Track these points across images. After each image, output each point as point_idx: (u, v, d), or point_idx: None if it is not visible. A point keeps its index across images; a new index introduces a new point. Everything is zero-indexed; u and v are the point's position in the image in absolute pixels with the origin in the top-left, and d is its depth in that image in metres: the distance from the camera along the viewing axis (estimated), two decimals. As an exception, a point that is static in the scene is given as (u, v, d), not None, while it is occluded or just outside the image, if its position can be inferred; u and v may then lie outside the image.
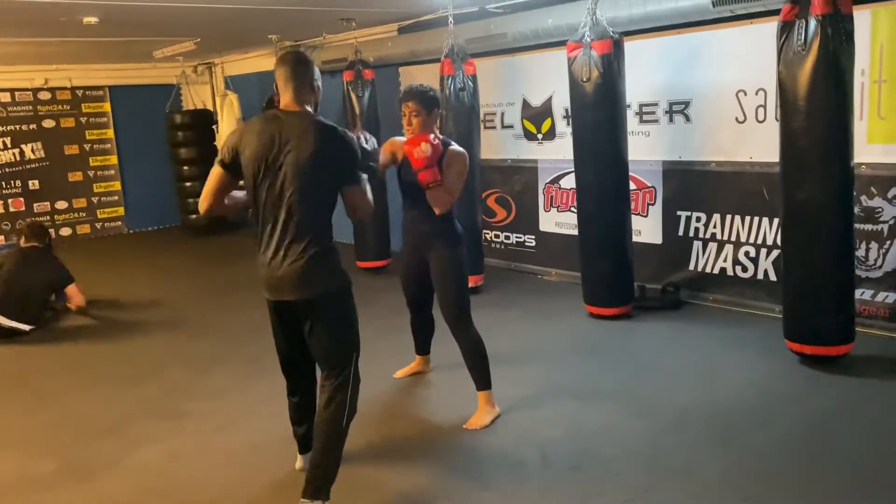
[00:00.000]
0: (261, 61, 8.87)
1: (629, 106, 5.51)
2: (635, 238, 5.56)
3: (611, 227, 4.98)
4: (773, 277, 4.91)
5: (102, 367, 4.80)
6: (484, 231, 6.87)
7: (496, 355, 3.77)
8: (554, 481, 3.05)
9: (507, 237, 6.83)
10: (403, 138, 3.61)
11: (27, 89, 9.27)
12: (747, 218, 5.05)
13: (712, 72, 5.09)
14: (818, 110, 3.78)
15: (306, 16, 6.13)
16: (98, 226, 9.93)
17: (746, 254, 5.08)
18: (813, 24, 3.69)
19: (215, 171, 2.81)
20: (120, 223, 10.09)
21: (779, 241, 4.63)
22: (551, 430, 3.50)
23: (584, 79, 4.76)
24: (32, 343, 5.32)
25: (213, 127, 9.49)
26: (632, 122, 5.53)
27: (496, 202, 6.85)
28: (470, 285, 5.91)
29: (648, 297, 5.37)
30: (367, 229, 6.83)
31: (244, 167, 2.75)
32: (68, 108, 9.56)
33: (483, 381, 3.66)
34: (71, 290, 5.82)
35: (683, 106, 5.29)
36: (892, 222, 4.39)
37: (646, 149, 5.52)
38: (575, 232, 5.40)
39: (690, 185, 5.35)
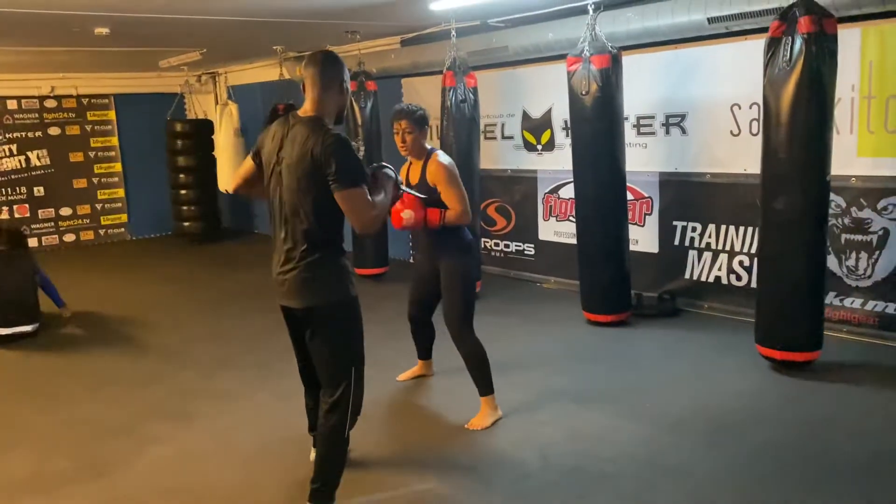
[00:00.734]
0: (264, 71, 9.01)
1: (627, 118, 5.65)
2: (632, 247, 5.69)
3: (609, 236, 5.11)
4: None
5: (110, 370, 4.91)
6: (484, 240, 7.02)
7: (496, 361, 3.87)
8: (553, 481, 3.16)
9: (506, 246, 6.95)
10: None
11: (34, 97, 9.41)
12: (741, 228, 5.19)
13: (708, 86, 5.23)
14: (799, 125, 3.93)
15: (311, 28, 6.27)
16: (102, 232, 10.04)
17: (740, 263, 5.22)
18: (799, 41, 3.84)
19: (247, 159, 2.96)
20: (123, 230, 10.20)
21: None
22: (551, 432, 3.62)
23: (584, 92, 4.89)
24: (39, 348, 5.42)
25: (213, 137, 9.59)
26: (630, 134, 5.67)
27: (496, 211, 6.97)
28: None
29: (645, 304, 5.49)
30: (364, 238, 6.95)
31: (263, 163, 2.85)
32: (74, 115, 9.69)
33: (485, 386, 3.78)
34: None
35: (680, 119, 5.44)
36: (881, 233, 4.53)
37: (643, 160, 5.65)
38: (573, 241, 5.53)
39: (686, 196, 5.49)
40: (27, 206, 9.47)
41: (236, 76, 9.84)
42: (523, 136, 6.57)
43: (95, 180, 9.93)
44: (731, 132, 5.14)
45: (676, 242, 5.60)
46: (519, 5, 5.36)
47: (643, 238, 5.77)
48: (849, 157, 4.56)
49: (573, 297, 5.57)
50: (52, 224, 9.65)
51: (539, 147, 6.48)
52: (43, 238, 9.55)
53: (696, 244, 5.47)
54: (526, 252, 6.79)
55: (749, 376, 4.22)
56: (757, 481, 3.09)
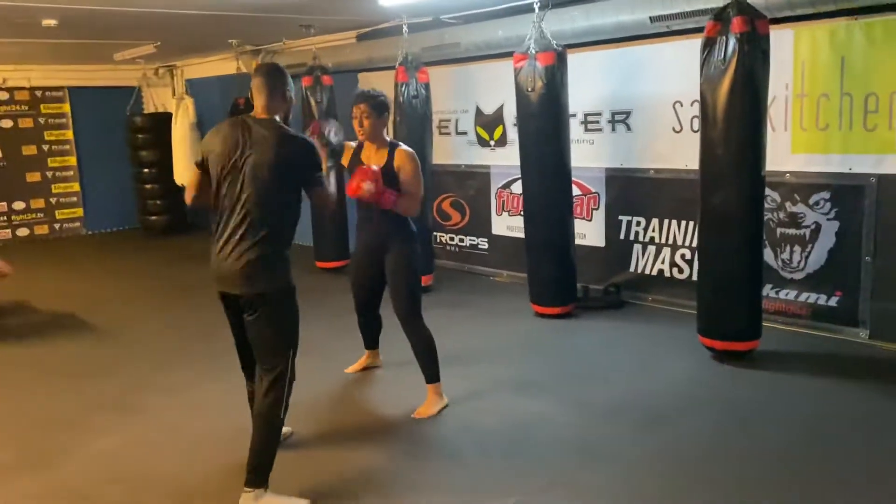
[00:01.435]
0: (221, 65, 8.96)
1: (575, 115, 5.79)
2: (581, 241, 5.83)
3: (554, 231, 5.23)
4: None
5: (61, 364, 4.90)
6: (439, 234, 7.10)
7: (444, 352, 3.97)
8: (487, 466, 3.26)
9: (461, 240, 7.05)
10: (353, 143, 3.86)
11: (-16, 89, 9.27)
12: (683, 222, 5.35)
13: (652, 84, 5.37)
14: (734, 122, 4.08)
15: (266, 22, 6.28)
16: (56, 227, 9.93)
17: (682, 256, 5.37)
18: (732, 41, 3.98)
19: (193, 171, 3.12)
20: (78, 224, 10.09)
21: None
22: (490, 420, 3.73)
23: (530, 89, 5.00)
24: (-10, 341, 5.39)
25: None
26: (577, 130, 5.80)
27: (451, 206, 7.06)
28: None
29: (591, 297, 5.63)
30: (326, 230, 7.01)
31: (210, 166, 2.99)
32: (27, 108, 9.56)
33: (432, 374, 3.87)
34: None
35: (625, 116, 5.57)
36: (813, 227, 4.71)
37: (590, 156, 5.78)
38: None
39: (631, 191, 5.64)
40: (-22, 199, 9.34)
41: (194, 69, 9.78)
42: (476, 132, 6.67)
43: (49, 174, 9.81)
44: (674, 129, 5.29)
45: (622, 237, 5.74)
46: (469, 2, 5.45)
47: (590, 232, 5.91)
48: (783, 154, 4.73)
49: (524, 291, 5.67)
50: (5, 218, 9.51)
51: (492, 143, 6.58)
52: (-5, 232, 9.45)
53: (641, 238, 5.62)
54: (480, 246, 6.89)
55: (687, 366, 4.37)
56: (686, 466, 3.21)
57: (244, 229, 2.92)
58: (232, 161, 2.92)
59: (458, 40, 5.99)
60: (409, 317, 3.82)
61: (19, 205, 9.63)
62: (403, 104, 5.92)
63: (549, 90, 4.95)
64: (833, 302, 4.68)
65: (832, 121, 4.53)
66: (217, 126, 3.07)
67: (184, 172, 8.71)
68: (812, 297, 4.77)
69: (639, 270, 5.65)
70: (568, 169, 5.22)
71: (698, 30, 4.75)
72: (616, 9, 4.96)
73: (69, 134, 9.90)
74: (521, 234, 6.20)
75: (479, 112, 6.62)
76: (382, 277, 3.90)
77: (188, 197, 3.18)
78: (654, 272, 5.55)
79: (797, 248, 4.79)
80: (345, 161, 3.87)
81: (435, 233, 6.96)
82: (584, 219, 5.90)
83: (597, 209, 5.87)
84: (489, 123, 6.56)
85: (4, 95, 9.39)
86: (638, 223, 5.62)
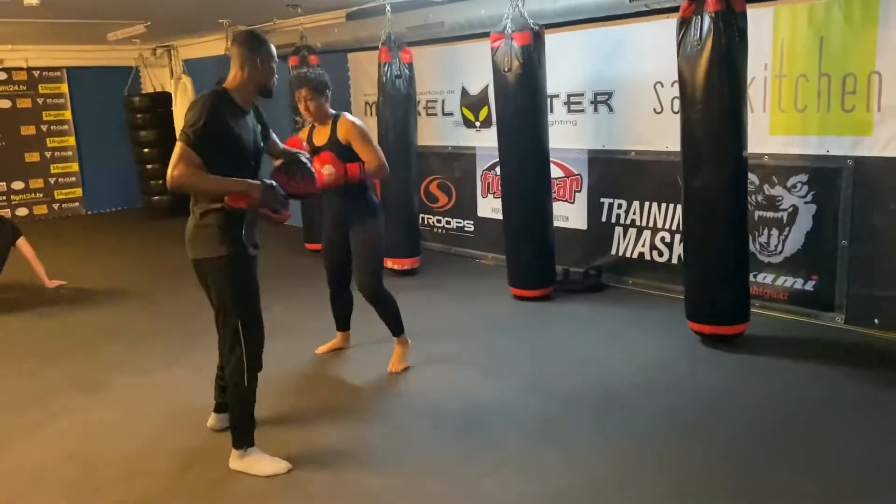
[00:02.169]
0: (217, 45, 8.92)
1: (558, 96, 5.73)
2: (563, 224, 5.79)
3: (532, 213, 5.18)
4: (686, 262, 5.14)
5: (36, 343, 4.95)
6: (426, 216, 7.08)
7: (418, 333, 4.12)
8: (437, 447, 3.27)
9: (448, 222, 7.02)
10: (296, 136, 3.91)
11: (-18, 69, 9.33)
12: (663, 205, 5.28)
13: (632, 64, 5.29)
14: (713, 102, 4.00)
15: (252, 1, 6.25)
16: (55, 206, 10.01)
17: (662, 239, 5.31)
18: (707, 20, 3.90)
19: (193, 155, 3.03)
20: (77, 204, 10.17)
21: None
22: (449, 402, 3.72)
23: (506, 69, 4.94)
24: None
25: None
26: (560, 111, 5.74)
27: (438, 188, 7.03)
28: (406, 267, 6.16)
29: (571, 280, 5.59)
30: (314, 213, 6.99)
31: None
32: (25, 88, 9.62)
33: (398, 327, 4.12)
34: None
35: (607, 96, 5.50)
36: (790, 210, 4.63)
37: (573, 138, 5.72)
38: (510, 218, 5.60)
39: (612, 173, 5.57)
40: (-23, 179, 9.44)
41: (190, 50, 9.77)
42: (462, 113, 6.62)
43: (48, 154, 9.88)
44: (655, 110, 5.21)
45: (604, 219, 5.68)
46: (450, -19, 5.39)
47: (573, 215, 5.86)
48: (762, 136, 4.65)
49: (506, 273, 5.64)
50: (4, 197, 9.60)
51: (477, 124, 6.53)
52: (-6, 211, 9.53)
53: (622, 221, 5.56)
54: (466, 228, 6.86)
55: (659, 348, 4.32)
56: (644, 451, 3.17)
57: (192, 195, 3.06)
58: None
59: (441, 20, 5.92)
60: (373, 287, 4.00)
61: (18, 185, 9.71)
62: (386, 85, 5.87)
63: (526, 70, 4.89)
64: (810, 286, 4.61)
65: (810, 102, 4.43)
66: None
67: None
68: (789, 282, 4.70)
69: (620, 253, 5.60)
70: (546, 150, 5.16)
71: (676, 9, 4.68)
72: (594, -13, 4.88)
73: (67, 114, 9.96)
74: (505, 216, 6.18)
75: (464, 92, 6.56)
76: (349, 252, 4.02)
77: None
78: (635, 255, 5.49)
79: (775, 231, 4.72)
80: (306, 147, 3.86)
81: (422, 215, 6.93)
82: (566, 201, 5.85)
83: (579, 191, 5.82)
84: (474, 104, 6.50)
85: (2, 76, 9.46)
86: (619, 206, 5.56)
